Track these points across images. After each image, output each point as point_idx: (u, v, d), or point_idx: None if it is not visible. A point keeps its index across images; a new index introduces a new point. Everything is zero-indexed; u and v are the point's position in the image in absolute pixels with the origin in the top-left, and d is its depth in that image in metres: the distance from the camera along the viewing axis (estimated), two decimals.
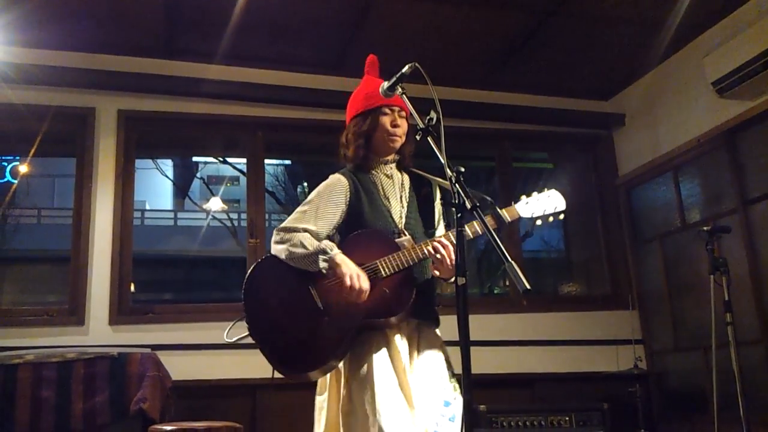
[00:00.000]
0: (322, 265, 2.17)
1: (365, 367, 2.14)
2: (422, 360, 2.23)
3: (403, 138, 2.37)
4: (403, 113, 2.34)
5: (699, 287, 4.42)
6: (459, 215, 1.85)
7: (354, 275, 2.12)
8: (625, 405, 4.45)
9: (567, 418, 4.21)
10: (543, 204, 2.32)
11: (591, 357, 4.90)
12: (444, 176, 1.92)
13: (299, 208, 2.32)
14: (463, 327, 1.73)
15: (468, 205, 1.83)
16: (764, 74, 3.94)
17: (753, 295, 4.21)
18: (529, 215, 2.30)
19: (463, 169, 1.89)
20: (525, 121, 5.34)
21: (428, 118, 2.03)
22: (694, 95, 4.63)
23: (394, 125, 2.33)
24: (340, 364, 2.22)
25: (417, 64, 2.12)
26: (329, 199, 2.31)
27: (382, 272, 2.18)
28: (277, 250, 2.25)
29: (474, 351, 1.71)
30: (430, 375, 2.20)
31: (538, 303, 5.15)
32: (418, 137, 2.07)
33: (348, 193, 2.32)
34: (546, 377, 4.80)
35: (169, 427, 3.20)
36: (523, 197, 2.34)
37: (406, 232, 2.29)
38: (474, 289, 9.37)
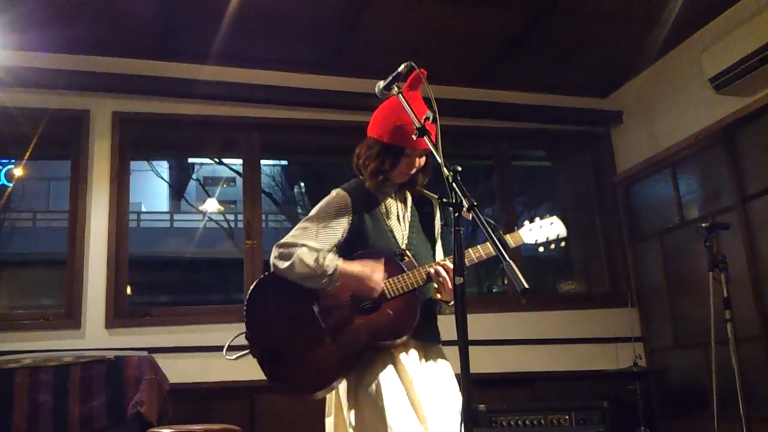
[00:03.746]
0: (324, 282, 2.15)
1: (373, 385, 2.12)
2: (431, 372, 2.21)
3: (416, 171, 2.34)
4: (425, 153, 2.30)
5: (698, 284, 4.41)
6: (456, 215, 1.83)
7: (367, 277, 2.14)
8: (625, 403, 4.46)
9: (567, 417, 4.20)
10: (546, 231, 2.37)
11: (590, 355, 4.89)
12: (441, 175, 1.90)
13: (300, 224, 2.29)
14: (462, 326, 1.71)
15: (465, 205, 1.82)
16: (762, 70, 3.94)
17: (752, 292, 4.21)
18: (532, 241, 2.35)
19: (460, 169, 1.87)
20: (523, 119, 5.33)
21: (425, 117, 2.01)
22: (692, 92, 4.62)
23: (410, 167, 2.30)
24: (343, 385, 2.20)
25: (413, 63, 2.10)
26: (331, 216, 2.27)
27: (387, 294, 2.17)
28: (278, 267, 2.21)
29: (473, 350, 1.70)
30: (440, 386, 2.18)
31: (537, 302, 5.14)
32: (414, 137, 2.05)
33: (351, 211, 2.29)
34: (545, 376, 4.79)
35: (166, 431, 3.18)
36: (527, 223, 2.39)
37: (409, 253, 2.28)
38: (472, 289, 9.36)
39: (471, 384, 1.70)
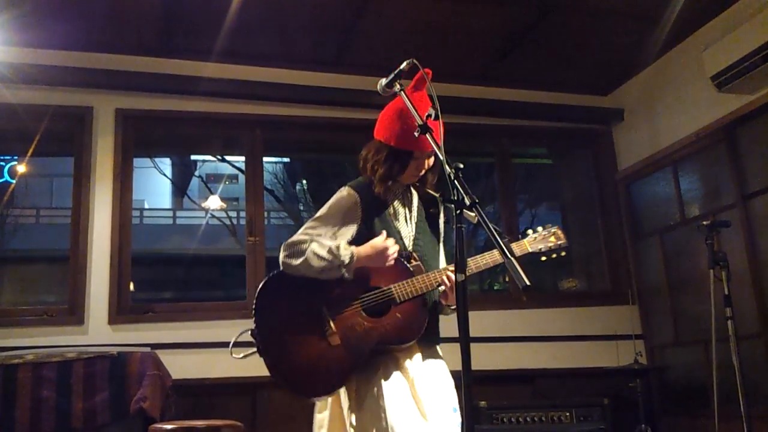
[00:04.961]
0: (343, 271, 2.14)
1: (375, 389, 2.12)
2: (428, 369, 2.22)
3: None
4: (433, 154, 2.28)
5: (699, 282, 4.42)
6: (458, 212, 1.84)
7: (382, 254, 2.15)
8: (625, 400, 4.46)
9: (568, 414, 4.21)
10: (547, 240, 2.39)
11: (591, 352, 4.90)
12: (443, 172, 1.91)
13: (308, 223, 2.27)
14: (463, 323, 1.72)
15: (467, 202, 1.83)
16: (763, 68, 3.93)
17: (753, 289, 4.21)
18: (536, 250, 2.37)
19: (462, 166, 1.88)
20: (524, 116, 5.33)
21: (427, 114, 2.02)
22: (693, 90, 4.62)
23: (419, 169, 2.31)
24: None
25: (415, 61, 2.11)
26: (340, 216, 2.26)
27: (397, 298, 2.17)
28: (289, 265, 2.18)
29: (474, 347, 1.71)
30: (438, 383, 2.20)
31: (538, 299, 5.14)
32: (416, 134, 2.06)
33: (360, 212, 2.27)
34: (546, 373, 4.80)
35: (169, 426, 3.18)
36: (530, 232, 2.42)
37: (416, 255, 2.28)
38: (474, 286, 9.37)
39: (472, 380, 1.71)
